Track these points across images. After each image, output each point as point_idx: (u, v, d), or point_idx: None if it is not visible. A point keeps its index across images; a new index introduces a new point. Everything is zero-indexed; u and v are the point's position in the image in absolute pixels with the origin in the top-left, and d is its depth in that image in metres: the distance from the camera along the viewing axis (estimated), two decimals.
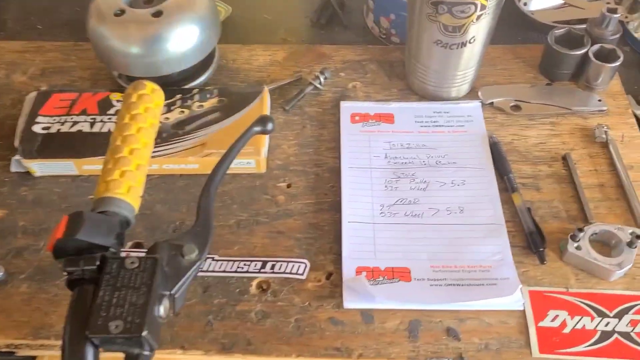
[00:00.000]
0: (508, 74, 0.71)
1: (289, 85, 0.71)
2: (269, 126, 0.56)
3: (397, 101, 0.68)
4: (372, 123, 0.66)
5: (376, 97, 0.69)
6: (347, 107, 0.67)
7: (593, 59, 0.64)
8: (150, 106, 0.53)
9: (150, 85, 0.54)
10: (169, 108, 0.65)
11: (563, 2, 0.77)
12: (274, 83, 0.71)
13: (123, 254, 0.43)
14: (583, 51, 0.65)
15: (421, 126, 0.65)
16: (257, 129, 0.55)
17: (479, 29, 0.59)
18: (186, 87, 0.69)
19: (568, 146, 0.63)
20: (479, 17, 0.57)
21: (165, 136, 0.63)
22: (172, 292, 0.43)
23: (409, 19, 0.63)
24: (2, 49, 0.76)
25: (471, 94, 0.68)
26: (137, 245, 0.57)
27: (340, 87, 0.71)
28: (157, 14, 0.63)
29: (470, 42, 0.60)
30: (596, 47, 0.65)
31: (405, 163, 0.62)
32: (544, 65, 0.69)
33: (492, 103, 0.67)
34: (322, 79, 0.69)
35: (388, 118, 0.66)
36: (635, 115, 0.66)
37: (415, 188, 0.60)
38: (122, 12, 0.63)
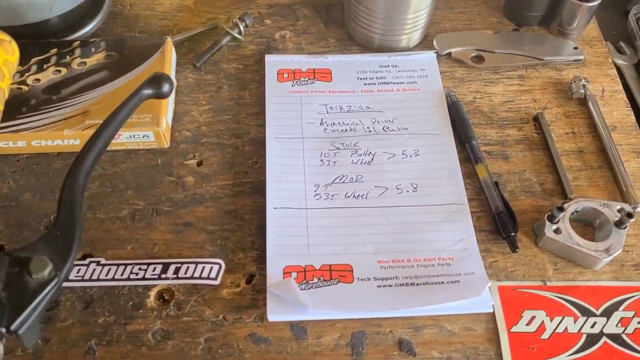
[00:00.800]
0: (467, 18, 0.59)
1: (201, 35, 0.57)
2: (165, 87, 0.42)
3: (335, 54, 0.55)
4: (305, 81, 0.53)
5: (310, 50, 0.56)
6: (273, 62, 0.54)
7: None
8: None
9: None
10: (40, 67, 0.50)
11: None
12: (182, 33, 0.56)
13: None
14: None
15: (365, 84, 0.53)
16: (149, 91, 0.42)
17: None
18: (65, 39, 0.54)
19: (540, 104, 0.52)
20: None
21: (34, 103, 0.48)
22: (13, 327, 0.30)
23: None
24: None
25: (424, 43, 0.56)
26: None
27: (266, 37, 0.57)
28: None
29: None
30: None
31: (346, 130, 0.50)
32: (510, 7, 0.58)
33: (449, 54, 0.55)
34: (242, 28, 0.56)
35: (324, 75, 0.53)
36: (616, 66, 0.55)
37: (358, 162, 0.48)
38: None
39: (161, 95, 0.43)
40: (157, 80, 0.42)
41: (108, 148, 0.48)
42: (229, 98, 0.53)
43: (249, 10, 0.59)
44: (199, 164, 0.49)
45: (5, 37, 0.41)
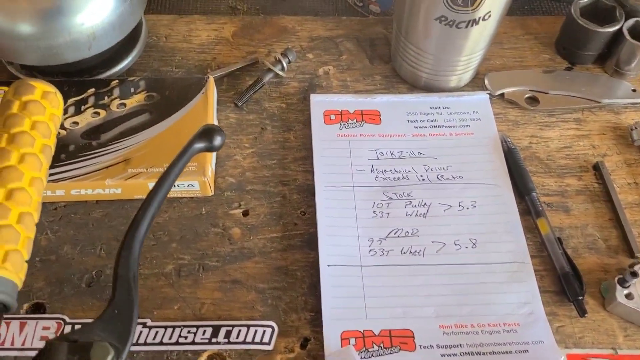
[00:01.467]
0: (518, 55, 0.56)
1: (241, 71, 0.54)
2: (217, 141, 0.40)
3: (383, 93, 0.53)
4: (353, 123, 0.50)
5: (355, 88, 0.54)
6: (319, 102, 0.52)
7: (628, 37, 0.51)
8: (40, 119, 0.37)
9: (41, 87, 0.38)
10: (78, 109, 0.48)
11: None
12: (222, 69, 0.54)
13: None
14: (615, 28, 0.52)
15: (415, 127, 0.50)
16: (200, 145, 0.40)
17: (496, 2, 0.44)
18: (102, 77, 0.51)
19: (599, 151, 0.50)
20: None
21: (73, 150, 0.46)
22: None
23: None
24: None
25: (475, 82, 0.54)
26: (37, 309, 0.41)
27: (309, 73, 0.55)
28: None
29: (483, 20, 0.45)
30: (631, 22, 0.51)
31: (398, 179, 0.47)
32: (563, 44, 0.55)
33: (502, 95, 0.53)
34: (284, 64, 0.53)
35: (373, 117, 0.51)
36: None
37: (413, 213, 0.46)
38: None
39: (213, 149, 0.40)
40: (209, 133, 0.40)
41: None
42: (274, 140, 0.50)
43: (289, 43, 0.57)
44: (245, 213, 0.46)
45: (51, 88, 0.38)
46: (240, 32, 0.57)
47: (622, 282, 0.41)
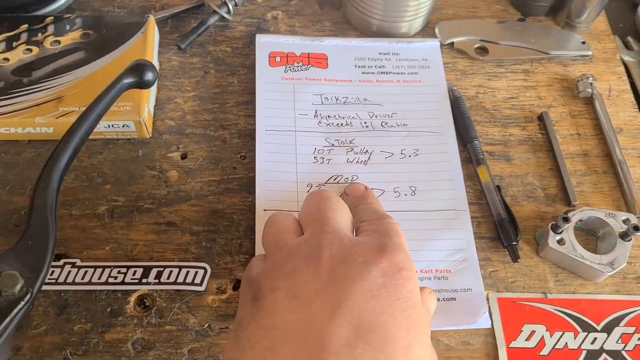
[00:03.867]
0: (471, 4, 0.55)
1: (186, 13, 0.53)
2: (148, 76, 0.39)
3: (332, 37, 0.52)
4: (298, 67, 0.49)
5: (304, 33, 0.52)
6: (265, 43, 0.50)
7: None
8: None
9: None
10: (9, 45, 0.46)
11: None
12: (165, 10, 0.52)
13: None
14: None
15: (363, 72, 0.49)
16: (130, 80, 0.39)
17: None
18: (36, 14, 0.49)
19: (545, 102, 0.50)
20: None
21: (3, 86, 0.44)
22: None
23: None
24: None
25: (425, 31, 0.53)
26: None
27: (257, 17, 0.53)
28: None
29: None
30: None
31: (342, 125, 0.47)
32: None
33: (452, 44, 0.52)
34: (231, 7, 0.51)
35: (319, 60, 0.50)
36: (624, 62, 0.53)
37: (354, 160, 0.45)
38: None
39: (144, 85, 0.39)
40: (139, 68, 0.39)
41: None
42: (216, 84, 0.49)
43: None
44: (183, 157, 0.45)
45: None
46: None
47: (555, 228, 0.41)
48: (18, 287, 0.29)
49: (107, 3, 0.53)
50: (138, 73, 0.38)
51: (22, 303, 0.29)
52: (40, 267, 0.31)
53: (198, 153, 0.46)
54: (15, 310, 0.29)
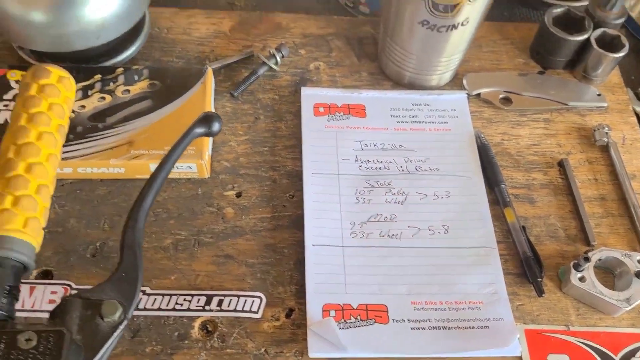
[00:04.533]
0: (495, 58, 0.61)
1: (238, 63, 0.58)
2: (215, 127, 0.44)
3: (369, 89, 0.57)
4: (340, 116, 0.55)
5: (343, 83, 0.58)
6: (310, 95, 0.56)
7: (595, 46, 0.55)
8: (56, 101, 0.40)
9: (57, 72, 0.41)
10: (85, 93, 0.52)
11: None
12: (220, 61, 0.58)
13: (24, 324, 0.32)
14: (584, 37, 0.56)
15: (397, 122, 0.55)
16: (200, 130, 0.44)
17: (474, 10, 0.48)
18: (107, 64, 0.55)
19: (564, 149, 0.55)
20: None
21: (81, 131, 0.49)
22: None
23: None
24: None
25: (454, 82, 0.58)
26: (45, 275, 0.45)
27: (300, 68, 0.59)
28: None
29: (462, 25, 0.49)
30: (599, 32, 0.56)
31: (380, 168, 0.52)
32: (537, 50, 0.60)
33: (479, 94, 0.57)
34: (278, 58, 0.57)
35: (358, 110, 0.55)
36: (636, 113, 0.58)
37: (392, 201, 0.50)
38: None
39: (211, 134, 0.44)
40: (208, 120, 0.44)
41: (147, 176, 0.50)
42: (266, 129, 0.54)
43: (283, 39, 0.60)
44: (238, 195, 0.50)
45: (65, 74, 0.42)
46: (238, 27, 0.61)
47: (577, 267, 0.46)
48: (117, 314, 0.34)
49: (166, 54, 0.58)
50: (207, 124, 0.44)
51: (121, 327, 0.34)
52: (133, 295, 0.35)
53: (251, 192, 0.51)
54: (115, 334, 0.33)
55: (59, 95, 0.41)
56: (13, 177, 0.36)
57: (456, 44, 0.52)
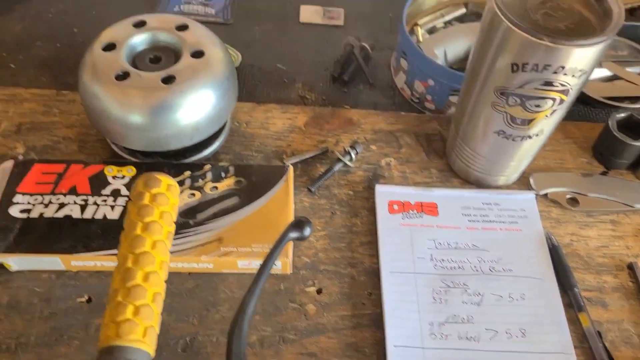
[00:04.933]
0: (559, 157, 0.63)
1: (313, 158, 0.62)
2: (307, 232, 0.46)
3: (440, 187, 0.60)
4: (414, 214, 0.57)
5: (414, 179, 0.61)
6: (384, 193, 0.58)
7: None
8: (166, 209, 0.43)
9: (166, 181, 0.44)
10: None
11: (613, 74, 0.70)
12: (296, 156, 0.61)
13: None
14: None
15: (469, 220, 0.57)
16: (294, 235, 0.46)
17: (550, 122, 0.51)
18: (194, 159, 0.58)
19: (633, 251, 0.56)
20: (553, 112, 0.49)
21: None
22: None
23: (464, 99, 0.54)
24: None
25: (520, 181, 0.61)
26: None
27: (372, 163, 0.62)
28: (169, 80, 0.52)
29: (536, 135, 0.52)
30: None
31: (455, 268, 0.54)
32: (600, 151, 0.62)
33: (546, 194, 0.59)
34: (353, 155, 0.60)
35: (431, 209, 0.58)
36: None
37: (469, 302, 0.51)
38: (126, 75, 0.52)
39: (303, 239, 0.47)
40: (300, 225, 0.46)
41: (234, 271, 0.52)
42: (342, 225, 0.57)
43: (355, 134, 0.64)
44: (319, 291, 0.52)
45: (172, 181, 0.45)
46: (311, 122, 0.65)
47: None
48: None
49: (246, 147, 0.62)
50: (300, 229, 0.46)
51: None
52: None
53: (331, 289, 0.53)
54: None
55: (167, 203, 0.44)
56: (133, 286, 0.39)
57: (527, 151, 0.55)
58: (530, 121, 0.50)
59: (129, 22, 0.56)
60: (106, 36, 0.55)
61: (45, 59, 0.71)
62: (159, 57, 0.55)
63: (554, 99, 0.47)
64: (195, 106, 0.53)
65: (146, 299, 0.39)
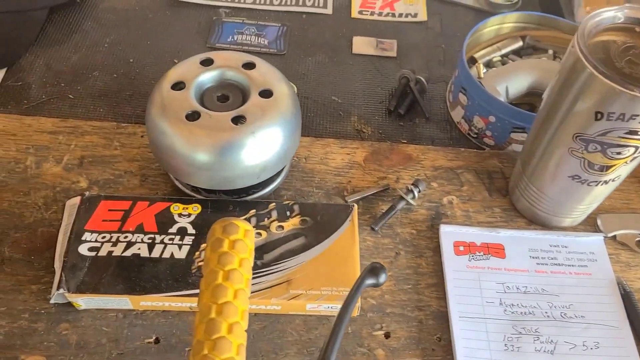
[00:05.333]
0: (624, 196, 0.62)
1: (374, 196, 0.61)
2: (382, 278, 0.45)
3: (504, 227, 0.59)
4: (480, 256, 0.56)
5: (477, 218, 0.60)
6: (449, 233, 0.58)
7: None
8: (245, 256, 0.43)
9: (243, 226, 0.44)
10: None
11: None
12: (358, 194, 0.60)
13: None
14: None
15: (537, 263, 0.56)
16: (370, 281, 0.45)
17: (627, 169, 0.50)
18: (257, 196, 0.58)
19: None
20: (633, 159, 0.48)
21: None
22: None
23: (535, 139, 0.53)
24: (29, 127, 0.64)
25: (587, 222, 0.60)
26: None
27: (434, 201, 0.61)
28: (238, 120, 0.52)
29: (612, 181, 0.51)
30: None
31: (525, 313, 0.52)
32: None
33: (614, 236, 0.58)
34: (415, 193, 0.59)
35: (497, 250, 0.57)
36: None
37: (542, 350, 0.50)
38: (196, 115, 0.52)
39: (378, 286, 0.46)
40: (376, 272, 0.45)
41: (301, 313, 0.52)
42: (408, 266, 0.56)
43: (414, 171, 0.63)
44: (387, 336, 0.52)
45: (249, 227, 0.45)
46: (370, 157, 0.64)
47: None
48: None
49: (306, 184, 0.62)
50: (375, 276, 0.45)
51: None
52: None
53: (399, 332, 0.52)
54: None
55: (246, 250, 0.43)
56: (218, 339, 0.38)
57: (599, 195, 0.54)
58: (608, 167, 0.49)
59: (196, 60, 0.56)
60: (174, 74, 0.55)
61: (103, 90, 0.71)
62: (227, 95, 0.55)
63: (636, 147, 0.46)
64: (264, 146, 0.53)
65: (231, 352, 0.38)
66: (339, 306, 0.50)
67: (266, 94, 0.54)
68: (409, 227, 0.59)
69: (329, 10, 0.83)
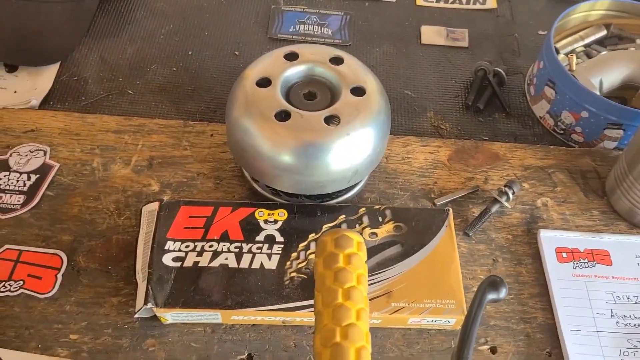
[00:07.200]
0: None
1: (463, 198, 0.57)
2: (503, 293, 0.42)
3: (606, 231, 0.55)
4: (585, 263, 0.52)
5: (575, 222, 0.56)
6: (549, 238, 0.54)
7: None
8: (362, 272, 0.39)
9: (356, 239, 0.41)
10: None
11: None
12: (446, 196, 0.57)
13: None
14: None
15: None
16: (491, 296, 0.42)
17: None
18: (341, 200, 0.55)
19: None
20: None
21: None
22: None
23: None
24: (92, 126, 0.61)
25: None
26: None
27: (528, 204, 0.57)
28: (331, 121, 0.48)
29: None
30: None
31: (639, 325, 0.49)
32: None
33: None
34: (510, 195, 0.56)
35: (603, 257, 0.53)
36: None
37: None
38: (286, 114, 0.48)
39: (498, 301, 0.43)
40: (496, 286, 0.42)
41: (401, 326, 0.48)
42: (507, 274, 0.52)
43: (503, 170, 0.59)
44: (493, 351, 0.48)
45: (360, 238, 0.41)
46: (455, 156, 0.60)
47: None
48: None
49: (390, 185, 0.58)
50: (496, 290, 0.42)
51: None
52: None
53: (506, 347, 0.48)
54: None
55: (362, 265, 0.40)
56: None
57: None
58: None
59: (280, 54, 0.52)
60: (258, 70, 0.51)
61: (163, 85, 0.67)
62: (314, 92, 0.51)
63: None
64: (358, 147, 0.49)
65: None
66: (442, 319, 0.47)
67: (359, 91, 0.50)
68: (504, 232, 0.55)
69: None
